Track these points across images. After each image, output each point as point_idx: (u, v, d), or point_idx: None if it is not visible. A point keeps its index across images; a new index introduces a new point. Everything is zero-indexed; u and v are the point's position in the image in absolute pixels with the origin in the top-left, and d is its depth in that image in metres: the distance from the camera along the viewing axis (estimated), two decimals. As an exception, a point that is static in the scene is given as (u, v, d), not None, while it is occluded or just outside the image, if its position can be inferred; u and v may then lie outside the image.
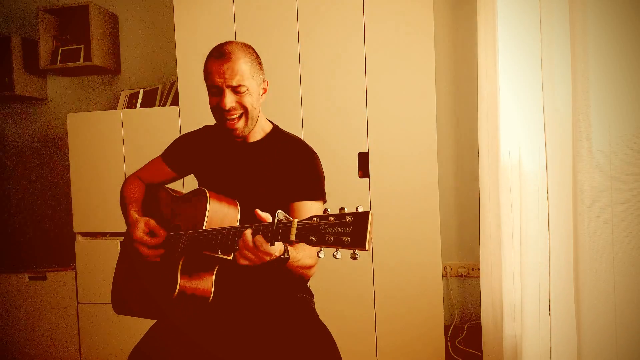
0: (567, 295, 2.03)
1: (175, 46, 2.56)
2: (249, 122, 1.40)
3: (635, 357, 1.88)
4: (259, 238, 1.10)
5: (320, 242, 0.99)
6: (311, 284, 1.60)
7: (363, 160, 2.41)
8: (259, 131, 1.49)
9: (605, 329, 1.94)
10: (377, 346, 2.42)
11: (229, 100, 1.35)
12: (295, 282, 1.44)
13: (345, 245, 0.96)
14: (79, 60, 2.95)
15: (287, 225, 1.05)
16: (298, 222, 1.04)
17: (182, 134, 2.52)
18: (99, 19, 2.94)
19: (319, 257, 1.02)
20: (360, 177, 2.42)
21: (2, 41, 3.03)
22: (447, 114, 2.82)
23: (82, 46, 2.97)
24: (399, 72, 2.36)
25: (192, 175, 1.65)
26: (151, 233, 1.38)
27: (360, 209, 0.97)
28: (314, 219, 1.01)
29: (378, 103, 2.38)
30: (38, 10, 2.96)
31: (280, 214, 1.08)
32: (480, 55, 2.30)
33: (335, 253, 0.98)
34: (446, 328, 2.78)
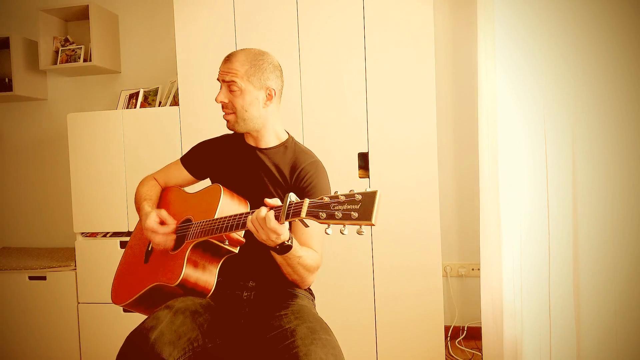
0: (567, 295, 2.04)
1: (175, 46, 2.56)
2: (240, 120, 1.48)
3: (635, 357, 1.88)
4: (271, 215, 1.16)
5: (329, 218, 1.05)
6: (313, 287, 1.60)
7: (363, 160, 2.41)
8: (272, 139, 1.55)
9: (605, 329, 1.94)
10: (377, 346, 2.42)
11: (222, 95, 1.47)
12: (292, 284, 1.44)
13: (353, 220, 1.01)
14: (79, 60, 2.95)
15: (299, 203, 1.12)
16: (309, 201, 1.10)
17: (182, 134, 2.55)
18: (99, 19, 2.94)
19: (326, 233, 1.07)
20: (360, 177, 2.42)
21: (2, 41, 3.03)
22: (447, 114, 2.82)
23: (82, 46, 2.98)
24: (399, 71, 2.36)
25: (200, 182, 1.70)
26: (163, 223, 1.44)
27: (369, 190, 1.04)
28: (324, 197, 1.07)
29: (378, 103, 2.38)
30: (38, 11, 2.96)
31: (292, 196, 1.15)
32: (480, 55, 2.30)
33: (342, 229, 1.04)
34: (446, 328, 2.78)
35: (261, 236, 1.20)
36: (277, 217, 1.16)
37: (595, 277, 1.95)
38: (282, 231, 1.18)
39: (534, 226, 2.11)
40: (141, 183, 1.68)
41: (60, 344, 2.73)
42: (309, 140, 2.39)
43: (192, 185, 1.72)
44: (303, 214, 1.09)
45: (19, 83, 3.02)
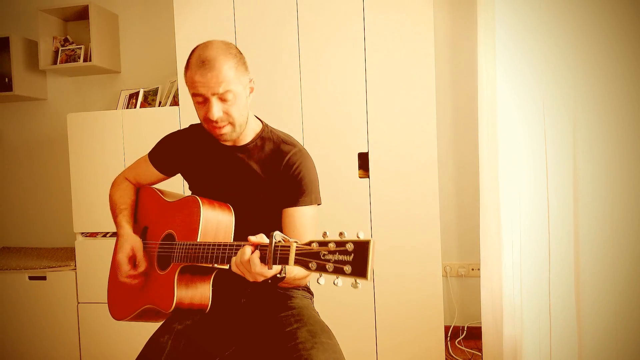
0: (567, 295, 2.03)
1: (175, 46, 2.56)
2: (237, 128, 1.34)
3: (636, 357, 1.88)
4: (256, 259, 1.08)
5: (320, 270, 0.97)
6: (311, 284, 1.60)
7: (363, 160, 2.41)
8: (249, 132, 1.42)
9: (605, 328, 1.94)
10: (377, 346, 2.42)
11: (216, 109, 1.27)
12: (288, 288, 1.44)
13: (346, 275, 0.94)
14: (78, 60, 2.95)
15: (285, 250, 1.03)
16: (296, 247, 1.01)
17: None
18: (99, 19, 2.94)
19: (318, 283, 1.00)
20: (360, 177, 2.42)
21: (2, 41, 3.03)
22: (447, 113, 2.82)
23: (82, 46, 2.98)
24: (399, 72, 2.36)
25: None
26: (133, 260, 1.40)
27: (362, 235, 0.95)
28: (313, 244, 0.99)
29: (378, 103, 2.38)
30: (38, 11, 2.96)
31: (278, 236, 1.05)
32: (480, 54, 2.30)
33: (335, 280, 0.97)
34: (446, 328, 2.78)
35: (249, 278, 1.12)
36: (263, 258, 1.08)
37: (595, 277, 1.95)
38: (270, 273, 1.10)
39: (534, 226, 2.11)
40: (114, 185, 1.59)
41: (60, 344, 2.73)
42: (309, 140, 2.39)
43: (170, 182, 1.65)
44: (291, 262, 1.01)
45: (19, 83, 3.02)
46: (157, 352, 1.23)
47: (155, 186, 1.61)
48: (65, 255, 2.91)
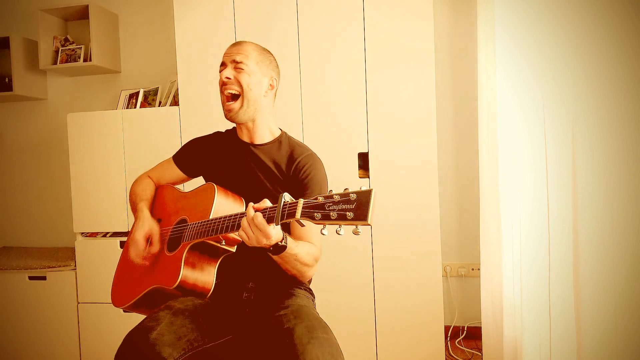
0: (567, 295, 2.04)
1: (175, 46, 2.56)
2: (245, 103, 1.47)
3: (636, 357, 1.88)
4: (260, 217, 1.15)
5: (325, 219, 1.03)
6: (311, 283, 1.60)
7: (363, 160, 2.41)
8: (267, 134, 1.55)
9: (605, 328, 1.95)
10: (377, 346, 2.42)
11: (228, 71, 1.47)
12: (292, 279, 1.45)
13: (348, 221, 1.00)
14: (79, 60, 2.95)
15: (293, 204, 1.10)
16: (304, 201, 1.09)
17: (182, 134, 2.55)
18: (99, 19, 2.94)
19: (322, 234, 1.06)
20: (360, 177, 2.42)
21: (2, 41, 3.03)
22: (447, 113, 2.81)
23: (82, 46, 2.98)
24: (399, 71, 2.35)
25: (197, 178, 1.69)
26: (149, 240, 1.44)
27: (364, 189, 1.01)
28: (319, 197, 1.06)
29: (378, 103, 2.38)
30: (38, 10, 2.96)
31: (287, 196, 1.13)
32: (480, 54, 2.30)
33: (338, 229, 1.02)
34: (446, 328, 2.78)
35: (252, 242, 1.19)
36: (271, 219, 1.15)
37: (595, 277, 1.95)
38: (272, 233, 1.17)
39: (534, 226, 2.11)
40: (136, 182, 1.68)
41: (60, 344, 2.73)
42: (309, 141, 2.39)
43: (187, 183, 1.71)
44: (298, 214, 1.08)
45: (19, 83, 3.02)
46: (155, 322, 1.26)
47: None
48: (65, 255, 2.92)
